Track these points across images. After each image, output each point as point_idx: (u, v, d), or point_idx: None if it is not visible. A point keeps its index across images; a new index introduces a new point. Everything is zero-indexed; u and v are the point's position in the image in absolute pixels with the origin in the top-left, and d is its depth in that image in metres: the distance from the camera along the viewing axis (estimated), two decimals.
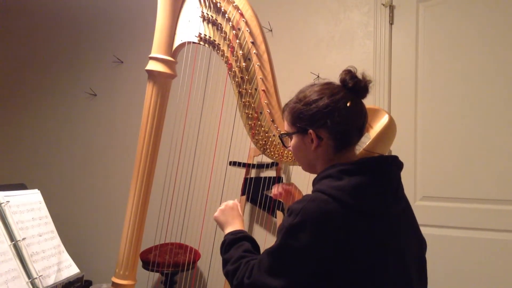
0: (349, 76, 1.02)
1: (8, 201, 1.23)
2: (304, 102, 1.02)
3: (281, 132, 1.12)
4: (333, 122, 0.98)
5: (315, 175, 1.05)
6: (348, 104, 0.99)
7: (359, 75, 1.03)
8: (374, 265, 0.91)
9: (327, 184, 0.94)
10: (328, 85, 1.04)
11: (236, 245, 1.09)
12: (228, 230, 1.18)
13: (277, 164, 2.49)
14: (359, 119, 1.02)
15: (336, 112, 0.98)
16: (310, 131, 1.00)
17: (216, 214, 1.25)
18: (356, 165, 0.96)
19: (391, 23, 2.37)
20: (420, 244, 1.09)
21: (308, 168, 1.09)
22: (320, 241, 0.88)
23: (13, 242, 1.17)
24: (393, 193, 1.00)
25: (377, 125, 1.15)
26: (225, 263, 1.07)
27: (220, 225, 1.23)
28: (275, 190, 1.39)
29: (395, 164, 1.03)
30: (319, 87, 1.03)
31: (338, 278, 0.90)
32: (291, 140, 1.08)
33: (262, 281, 0.93)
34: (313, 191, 0.97)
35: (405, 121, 2.29)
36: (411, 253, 1.02)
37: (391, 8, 2.36)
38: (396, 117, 2.27)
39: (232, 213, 1.23)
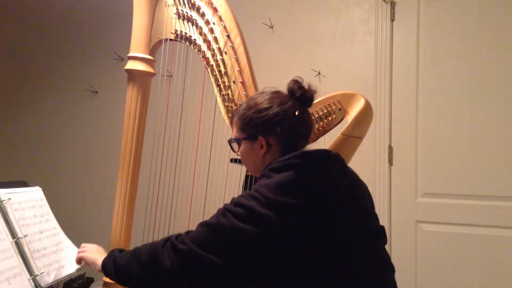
0: (296, 86, 1.08)
1: (9, 199, 1.23)
2: (254, 109, 1.06)
3: (230, 138, 1.15)
4: (282, 130, 1.04)
5: None
6: (296, 113, 1.05)
7: (305, 86, 1.08)
8: (311, 256, 0.92)
9: (259, 183, 0.98)
10: (278, 93, 1.09)
11: (125, 253, 1.11)
12: (103, 256, 1.18)
13: None
14: (305, 127, 1.09)
15: (285, 120, 1.04)
16: (260, 137, 1.05)
17: (83, 254, 1.25)
18: (282, 162, 0.99)
19: (392, 20, 2.36)
20: (374, 230, 1.07)
21: (257, 172, 1.12)
22: (248, 237, 0.91)
23: (14, 239, 1.18)
24: (322, 184, 0.98)
25: (354, 110, 1.17)
26: (130, 266, 1.05)
27: (92, 260, 1.21)
28: None
29: (322, 156, 1.04)
30: (269, 95, 1.08)
31: (274, 268, 0.91)
32: (239, 146, 1.12)
33: (199, 252, 0.94)
34: None
35: (406, 118, 2.29)
36: (362, 241, 1.00)
37: (392, 4, 2.35)
38: (397, 113, 2.29)
39: (97, 247, 1.26)
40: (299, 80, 1.09)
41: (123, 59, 3.09)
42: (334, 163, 1.05)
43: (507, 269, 2.05)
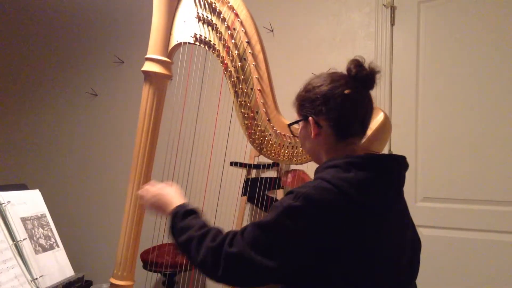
0: (353, 65, 1.01)
1: (9, 201, 1.23)
2: (306, 89, 1.03)
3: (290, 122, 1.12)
4: (328, 109, 0.98)
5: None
6: (345, 92, 0.98)
7: (366, 65, 1.02)
8: (368, 260, 0.90)
9: (333, 174, 0.91)
10: (334, 73, 1.04)
11: (193, 215, 1.02)
12: (176, 203, 1.07)
13: (277, 164, 2.49)
14: (358, 109, 1.00)
15: (331, 99, 0.98)
16: (310, 118, 1.01)
17: (149, 196, 1.14)
18: (365, 159, 0.95)
19: (392, 24, 2.36)
20: (416, 244, 1.09)
21: (314, 157, 1.08)
22: (317, 230, 0.86)
23: (14, 242, 1.17)
24: (396, 192, 1.00)
25: (373, 123, 1.15)
26: (183, 230, 0.97)
27: (162, 206, 1.11)
28: (286, 178, 1.39)
29: (402, 164, 1.04)
30: (325, 75, 1.04)
31: (330, 270, 0.88)
32: (296, 129, 1.11)
33: (248, 254, 0.86)
34: (315, 178, 0.94)
35: (406, 122, 2.29)
36: (407, 252, 1.02)
37: (392, 8, 2.36)
38: (397, 118, 2.29)
39: (170, 191, 1.14)
40: (359, 59, 1.02)
41: (123, 62, 3.10)
42: (405, 172, 1.05)
43: (507, 274, 2.04)
